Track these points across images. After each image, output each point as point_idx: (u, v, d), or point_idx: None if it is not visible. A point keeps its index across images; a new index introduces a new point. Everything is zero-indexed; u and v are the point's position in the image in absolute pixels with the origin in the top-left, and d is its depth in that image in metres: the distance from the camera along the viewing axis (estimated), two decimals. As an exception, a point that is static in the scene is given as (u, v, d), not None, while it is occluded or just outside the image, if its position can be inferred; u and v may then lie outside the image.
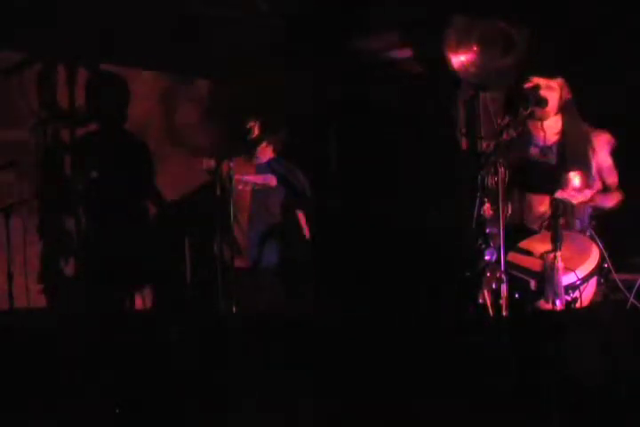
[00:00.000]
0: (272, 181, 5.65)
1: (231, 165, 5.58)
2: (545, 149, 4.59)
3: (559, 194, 4.39)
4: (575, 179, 4.39)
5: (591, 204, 4.44)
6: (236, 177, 5.56)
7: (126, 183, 6.23)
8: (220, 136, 6.45)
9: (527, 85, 4.51)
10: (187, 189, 6.52)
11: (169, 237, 6.35)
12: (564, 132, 4.58)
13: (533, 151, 4.60)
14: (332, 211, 5.81)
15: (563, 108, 4.58)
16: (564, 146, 4.55)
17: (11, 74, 6.05)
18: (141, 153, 6.38)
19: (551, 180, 4.47)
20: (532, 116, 4.52)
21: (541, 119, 4.58)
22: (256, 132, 5.63)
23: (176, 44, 6.01)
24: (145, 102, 6.51)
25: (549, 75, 4.55)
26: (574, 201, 4.37)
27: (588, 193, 4.39)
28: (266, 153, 5.70)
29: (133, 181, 6.29)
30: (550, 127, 4.61)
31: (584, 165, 4.50)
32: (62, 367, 4.30)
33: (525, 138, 4.60)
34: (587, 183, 4.40)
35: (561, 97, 4.56)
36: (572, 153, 4.52)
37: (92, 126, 6.32)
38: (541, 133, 4.60)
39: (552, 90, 4.54)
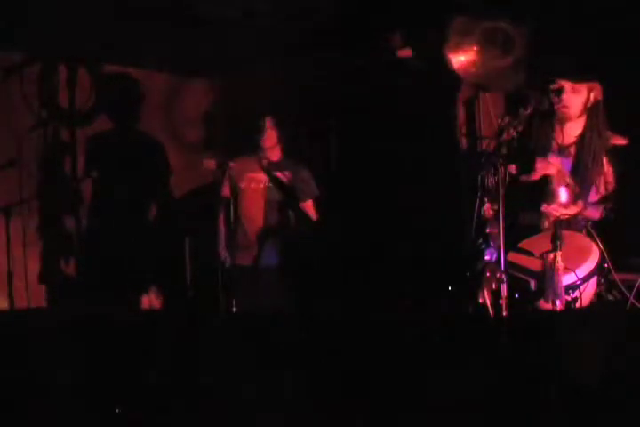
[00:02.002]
0: (285, 177, 5.67)
1: (231, 164, 5.60)
2: (563, 148, 4.59)
3: (544, 208, 4.41)
4: (563, 194, 4.42)
5: (579, 217, 4.44)
6: (250, 175, 5.59)
7: (136, 183, 6.25)
8: (226, 136, 6.46)
9: (552, 87, 4.51)
10: (188, 188, 6.54)
11: (169, 237, 6.36)
12: (583, 137, 4.57)
13: (553, 147, 4.60)
14: (332, 210, 5.81)
15: (589, 110, 4.57)
16: (581, 151, 4.55)
17: (11, 74, 6.05)
18: (155, 152, 6.40)
19: (538, 193, 4.49)
20: (551, 116, 4.53)
21: (562, 121, 4.58)
22: (266, 130, 5.64)
23: (178, 43, 6.01)
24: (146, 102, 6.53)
25: (581, 80, 4.54)
26: (561, 216, 4.38)
27: (573, 209, 4.41)
28: (275, 152, 5.71)
29: (144, 181, 6.31)
30: (570, 129, 4.60)
31: (596, 174, 4.50)
32: (62, 367, 4.30)
33: (545, 135, 4.60)
34: (573, 199, 4.43)
35: (587, 100, 4.55)
36: (587, 161, 4.51)
37: (105, 126, 6.34)
38: (560, 132, 4.60)
39: (577, 92, 4.53)
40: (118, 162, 6.23)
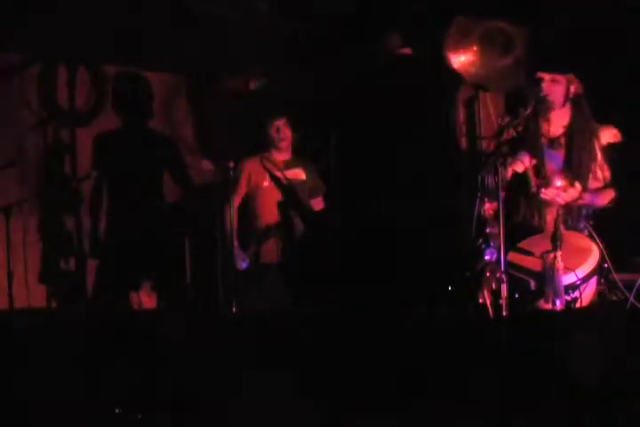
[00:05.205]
0: (301, 175, 5.70)
1: (247, 164, 5.62)
2: (553, 141, 4.60)
3: (543, 194, 4.40)
4: (557, 180, 4.42)
5: (580, 202, 4.42)
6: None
7: (147, 180, 6.26)
8: (234, 137, 6.47)
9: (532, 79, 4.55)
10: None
11: (170, 238, 6.36)
12: (570, 126, 4.59)
13: (543, 142, 4.61)
14: (332, 210, 5.81)
15: (572, 103, 4.60)
16: (571, 139, 4.56)
17: (11, 74, 6.05)
18: (169, 150, 6.41)
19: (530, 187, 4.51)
20: (537, 112, 4.54)
21: (546, 112, 4.59)
22: (283, 130, 5.67)
23: (180, 44, 6.01)
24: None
25: (560, 71, 4.56)
26: (560, 201, 4.37)
27: (573, 192, 4.40)
28: (287, 152, 5.73)
29: (156, 178, 6.32)
30: (556, 119, 4.62)
31: (590, 159, 4.51)
32: (62, 367, 4.30)
33: (533, 131, 4.61)
34: (570, 183, 4.42)
35: (567, 90, 4.58)
36: (579, 147, 4.53)
37: (106, 125, 6.34)
38: (546, 125, 4.61)
39: (557, 83, 4.55)
40: (129, 160, 6.22)
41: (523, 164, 4.54)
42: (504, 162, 4.15)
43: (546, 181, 4.46)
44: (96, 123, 6.37)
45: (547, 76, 4.55)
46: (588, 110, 4.60)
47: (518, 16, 5.52)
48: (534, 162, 4.56)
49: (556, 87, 4.56)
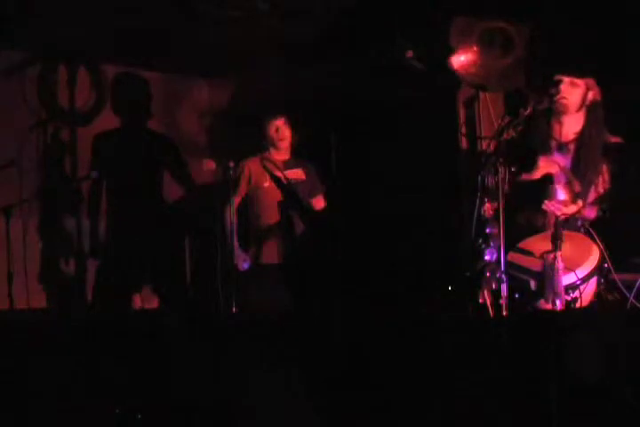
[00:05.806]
0: (301, 175, 5.70)
1: (248, 164, 5.62)
2: (562, 145, 4.60)
3: (545, 205, 4.41)
4: (560, 193, 4.43)
5: (577, 216, 4.43)
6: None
7: (147, 181, 6.26)
8: (226, 136, 6.47)
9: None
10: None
11: (170, 238, 6.36)
12: (582, 133, 4.58)
13: (552, 145, 4.60)
14: (332, 209, 5.81)
15: (587, 110, 4.58)
16: (581, 147, 4.55)
17: (11, 74, 6.06)
18: (168, 150, 6.41)
19: (539, 191, 4.50)
20: (549, 113, 4.53)
21: (560, 115, 4.59)
22: (282, 130, 5.67)
23: (181, 44, 6.02)
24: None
25: (580, 75, 4.55)
26: (559, 213, 4.37)
27: (573, 208, 4.42)
28: (287, 152, 5.73)
29: (153, 181, 6.32)
30: (569, 124, 4.60)
31: (594, 173, 4.50)
32: (62, 367, 4.30)
33: (543, 131, 4.60)
34: (573, 198, 4.43)
35: (585, 95, 4.57)
36: (587, 158, 4.52)
37: (106, 125, 6.34)
38: (558, 127, 4.61)
39: (576, 86, 4.55)
40: (129, 160, 6.22)
41: (558, 164, 4.52)
42: (504, 162, 4.14)
43: (551, 194, 4.47)
44: (96, 123, 6.38)
45: (566, 79, 4.54)
46: (602, 119, 4.58)
47: (518, 16, 5.52)
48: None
49: (574, 91, 4.55)
